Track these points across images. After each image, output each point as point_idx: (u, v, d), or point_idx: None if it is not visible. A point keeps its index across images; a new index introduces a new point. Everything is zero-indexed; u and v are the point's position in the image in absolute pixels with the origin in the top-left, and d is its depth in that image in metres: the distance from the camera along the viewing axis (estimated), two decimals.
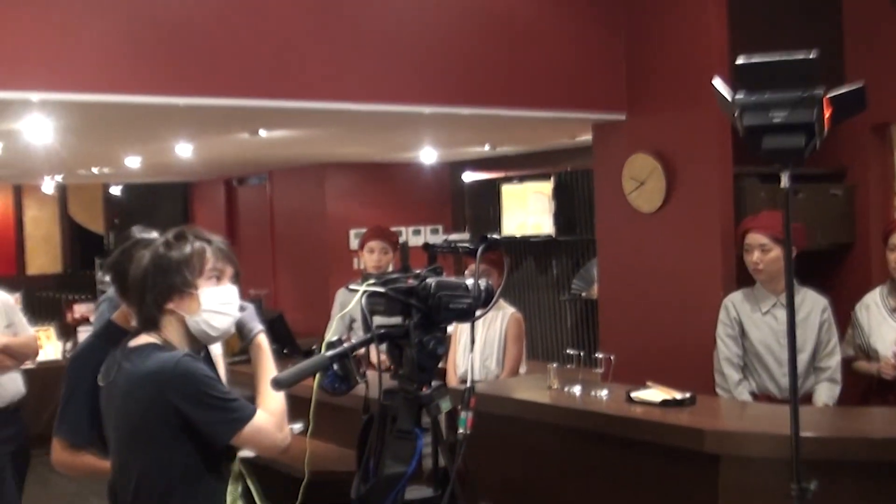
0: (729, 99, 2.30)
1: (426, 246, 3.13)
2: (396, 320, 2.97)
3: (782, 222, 4.63)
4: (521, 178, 8.97)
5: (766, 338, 4.81)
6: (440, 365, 5.35)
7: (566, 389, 4.53)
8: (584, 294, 8.27)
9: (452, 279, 3.01)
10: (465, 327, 6.07)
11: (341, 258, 9.66)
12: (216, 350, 3.23)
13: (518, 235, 8.96)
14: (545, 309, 9.02)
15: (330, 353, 2.79)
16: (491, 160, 9.43)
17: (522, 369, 5.78)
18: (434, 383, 3.05)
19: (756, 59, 2.24)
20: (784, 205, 2.31)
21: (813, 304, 4.83)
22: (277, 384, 2.76)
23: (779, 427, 3.87)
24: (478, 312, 3.04)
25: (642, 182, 5.71)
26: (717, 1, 5.40)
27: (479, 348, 5.92)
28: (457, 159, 9.70)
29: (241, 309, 3.05)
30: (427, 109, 5.37)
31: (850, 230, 6.17)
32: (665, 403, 4.09)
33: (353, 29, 5.00)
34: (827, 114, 2.31)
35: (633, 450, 3.99)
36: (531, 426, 4.43)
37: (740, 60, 2.23)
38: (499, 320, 5.96)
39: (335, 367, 2.80)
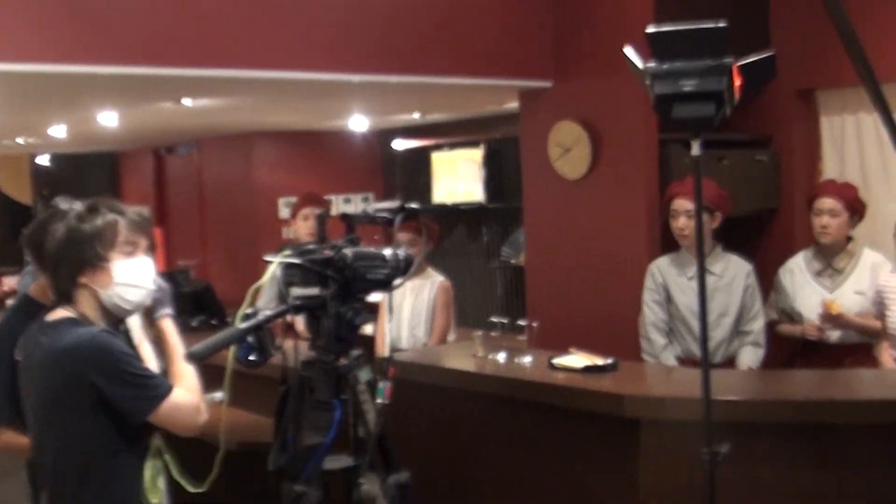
0: (640, 67, 2.30)
1: (343, 216, 3.12)
2: (314, 291, 2.96)
3: (711, 188, 4.74)
4: (452, 146, 8.95)
5: (692, 302, 4.82)
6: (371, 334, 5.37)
7: (490, 357, 4.54)
8: (513, 261, 8.30)
9: (370, 249, 3.00)
10: (393, 295, 6.07)
11: (270, 228, 9.58)
12: (134, 322, 3.18)
13: (449, 203, 8.95)
14: (476, 276, 9.03)
15: (244, 325, 2.77)
16: (422, 128, 9.39)
17: (451, 337, 5.80)
18: (354, 353, 3.05)
19: (666, 27, 2.24)
20: (695, 172, 2.32)
21: (737, 270, 4.94)
22: (191, 357, 2.75)
23: (698, 391, 3.93)
24: (396, 282, 3.04)
25: (568, 149, 5.72)
26: None
27: (407, 317, 5.93)
28: (388, 127, 9.65)
29: (157, 287, 3.00)
30: (354, 78, 5.33)
31: (775, 196, 6.25)
32: (587, 369, 4.12)
33: None
34: (738, 82, 2.31)
35: (556, 416, 4.02)
36: (456, 394, 4.44)
37: (650, 29, 2.23)
38: (427, 288, 5.96)
39: (249, 338, 2.78)
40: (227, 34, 4.84)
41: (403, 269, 3.06)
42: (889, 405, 3.62)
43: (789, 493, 3.59)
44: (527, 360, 4.42)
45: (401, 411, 4.69)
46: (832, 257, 5.02)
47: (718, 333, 4.86)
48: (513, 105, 6.87)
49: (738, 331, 4.93)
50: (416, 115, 8.24)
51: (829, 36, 5.81)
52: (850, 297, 4.96)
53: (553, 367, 4.22)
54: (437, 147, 9.15)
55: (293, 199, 9.38)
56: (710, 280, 4.78)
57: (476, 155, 8.56)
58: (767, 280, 5.58)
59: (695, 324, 4.81)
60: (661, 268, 5.01)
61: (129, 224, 2.88)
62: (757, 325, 4.93)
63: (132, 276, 2.87)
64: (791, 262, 5.24)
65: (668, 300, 4.97)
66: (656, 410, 3.68)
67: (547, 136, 5.85)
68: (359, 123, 8.70)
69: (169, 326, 3.04)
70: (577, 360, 4.23)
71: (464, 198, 8.77)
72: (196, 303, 6.65)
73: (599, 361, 4.15)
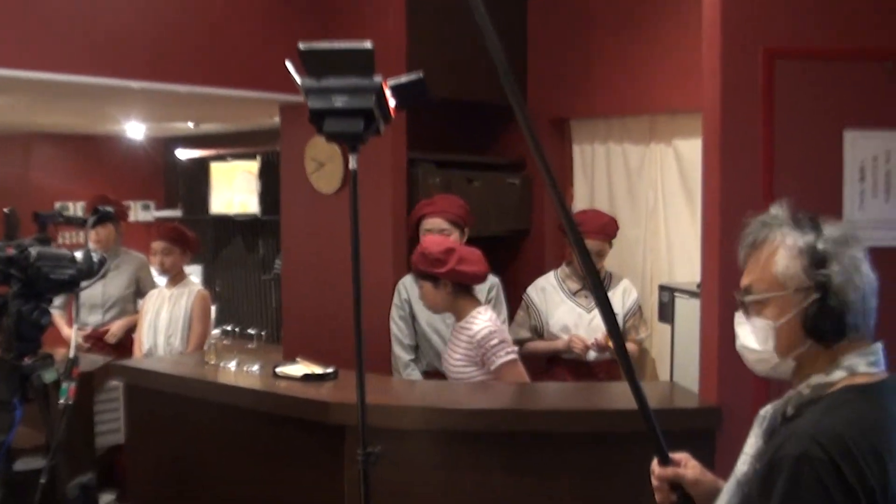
0: (298, 82, 2.41)
1: (35, 215, 3.12)
2: None
3: (459, 205, 4.86)
4: (230, 157, 8.94)
5: (432, 318, 4.95)
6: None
7: (222, 365, 4.59)
8: None
9: (57, 250, 3.02)
10: (151, 304, 6.05)
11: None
12: None
13: (226, 214, 8.93)
14: (252, 288, 9.04)
15: None
16: (204, 138, 9.35)
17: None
18: (41, 353, 3.05)
19: (317, 46, 2.35)
20: (352, 186, 2.43)
21: (482, 285, 4.94)
22: None
23: (405, 400, 4.09)
24: (83, 283, 3.06)
25: (322, 164, 5.81)
26: None
27: (164, 325, 5.92)
28: (169, 135, 9.57)
29: None
30: (119, 83, 5.27)
31: (526, 218, 6.47)
32: (306, 378, 4.21)
33: None
34: (392, 101, 2.44)
35: (277, 422, 4.10)
36: (186, 401, 4.47)
37: (302, 46, 2.34)
38: (185, 297, 5.97)
39: None
40: None
41: (94, 271, 3.08)
42: (576, 415, 3.83)
43: (485, 499, 3.76)
44: (255, 368, 4.48)
45: (135, 418, 4.74)
46: None
47: None
48: None
49: None
50: (190, 125, 8.19)
51: (580, 69, 6.17)
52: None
53: (276, 376, 4.30)
54: (218, 158, 9.12)
55: (69, 204, 9.25)
56: None
57: (253, 167, 8.59)
58: (518, 298, 5.79)
59: (435, 339, 4.94)
60: (406, 285, 5.08)
61: None
62: None
63: None
64: (541, 281, 5.40)
65: (412, 317, 5.04)
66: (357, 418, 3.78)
67: (304, 151, 5.93)
68: (135, 130, 8.60)
69: None
70: (299, 368, 4.31)
71: (240, 209, 8.78)
72: None
73: (319, 370, 4.25)
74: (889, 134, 3.77)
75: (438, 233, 4.91)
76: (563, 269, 5.40)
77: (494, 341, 4.24)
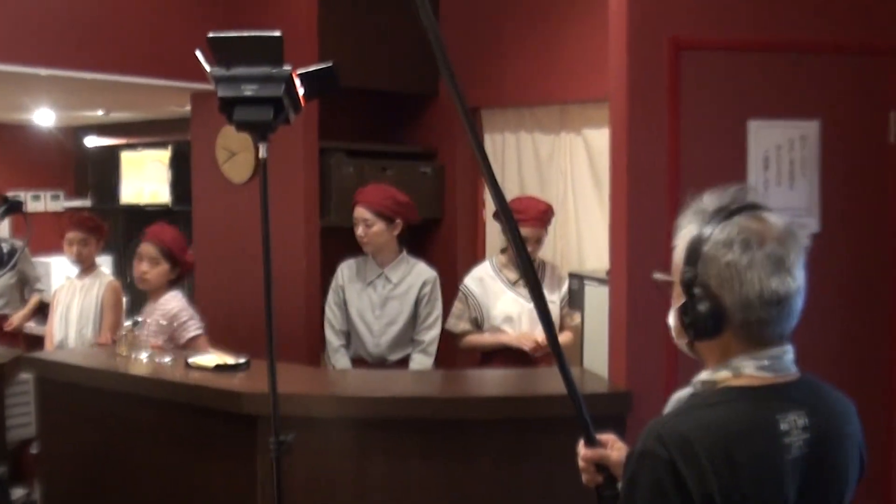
0: (208, 70, 2.40)
1: None
2: None
3: (388, 196, 4.82)
4: (141, 146, 8.83)
5: (363, 308, 4.93)
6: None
7: (133, 356, 4.54)
8: None
9: None
10: (62, 295, 5.97)
11: None
12: None
13: (136, 203, 8.83)
14: None
15: None
16: (114, 126, 9.22)
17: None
18: None
19: (225, 34, 2.35)
20: (262, 175, 2.43)
21: (416, 279, 4.97)
22: None
23: (313, 389, 4.10)
24: None
25: (234, 153, 5.78)
26: None
27: (75, 316, 5.84)
28: (80, 124, 9.42)
29: None
30: (17, 69, 5.19)
31: (438, 207, 6.51)
32: (218, 368, 4.20)
33: None
34: (302, 90, 2.45)
35: (189, 413, 4.08)
36: (99, 393, 4.42)
37: (211, 34, 2.33)
38: (95, 288, 5.90)
39: None
40: None
41: (5, 261, 3.05)
42: (494, 402, 3.88)
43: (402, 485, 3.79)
44: (167, 359, 4.45)
45: (47, 411, 4.68)
46: None
47: (384, 341, 4.93)
48: None
49: (412, 339, 4.97)
50: (100, 112, 8.08)
51: (491, 58, 6.21)
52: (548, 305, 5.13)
53: (189, 366, 4.28)
54: (128, 147, 9.00)
55: None
56: (387, 288, 4.90)
57: (164, 156, 8.50)
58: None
59: (362, 328, 4.92)
60: (344, 270, 5.02)
61: None
62: (429, 336, 4.95)
63: None
64: (477, 270, 5.27)
65: (345, 303, 4.99)
66: (269, 407, 3.79)
67: (215, 140, 5.89)
68: (45, 118, 8.46)
69: None
70: (211, 358, 4.30)
71: (151, 199, 8.68)
72: None
73: (231, 360, 4.24)
74: (792, 123, 3.87)
75: (361, 223, 4.86)
76: (499, 258, 5.29)
77: None
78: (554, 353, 2.20)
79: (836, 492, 1.96)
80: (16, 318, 6.27)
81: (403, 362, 4.95)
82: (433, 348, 4.94)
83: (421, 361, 4.94)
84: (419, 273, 5.01)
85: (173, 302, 5.02)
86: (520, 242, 2.19)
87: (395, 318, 4.93)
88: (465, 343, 5.19)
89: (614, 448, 2.26)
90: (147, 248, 5.13)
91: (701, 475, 1.77)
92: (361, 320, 4.95)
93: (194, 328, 4.98)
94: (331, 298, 5.05)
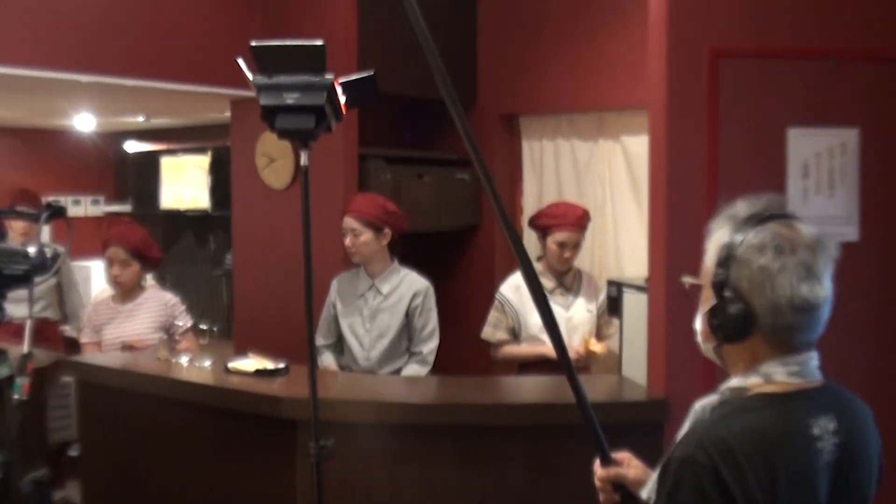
0: (251, 78, 2.43)
1: None
2: None
3: (376, 205, 4.74)
4: (181, 152, 8.91)
5: (354, 321, 4.85)
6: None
7: (174, 360, 4.59)
8: None
9: (10, 245, 3.02)
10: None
11: None
12: None
13: (176, 209, 8.91)
14: (203, 283, 9.00)
15: None
16: (154, 132, 9.31)
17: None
18: None
19: (269, 42, 2.38)
20: (303, 182, 2.46)
21: (407, 290, 4.85)
22: None
23: (353, 394, 4.13)
24: (37, 279, 3.06)
25: (274, 159, 5.82)
26: None
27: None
28: (120, 129, 9.50)
29: None
30: (72, 77, 5.25)
31: (476, 213, 6.53)
32: (258, 373, 4.23)
33: None
34: (343, 98, 2.47)
35: (229, 417, 4.11)
36: (139, 397, 4.46)
37: (254, 43, 2.36)
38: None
39: None
40: None
41: (48, 265, 3.08)
42: (519, 409, 3.89)
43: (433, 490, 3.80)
44: (207, 363, 4.49)
45: (88, 414, 4.73)
46: (562, 277, 5.14)
47: (374, 354, 4.81)
48: None
49: (410, 351, 4.87)
50: (140, 118, 8.16)
51: (530, 66, 6.23)
52: (583, 314, 5.13)
53: (228, 371, 4.31)
54: (168, 152, 9.08)
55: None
56: (377, 300, 4.82)
57: (203, 162, 8.56)
58: (470, 293, 5.81)
59: (352, 341, 4.84)
60: (336, 285, 5.00)
61: None
62: (427, 347, 4.84)
63: None
64: (514, 279, 5.20)
65: (335, 318, 4.93)
66: (309, 412, 3.81)
67: (255, 146, 5.93)
68: (85, 123, 8.54)
69: None
70: (251, 363, 4.33)
71: (191, 204, 8.75)
72: None
73: (270, 365, 4.27)
74: (831, 131, 3.85)
75: (350, 232, 4.77)
76: (535, 266, 5.24)
77: None
78: (564, 369, 2.21)
79: (861, 496, 1.98)
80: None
81: (395, 375, 4.84)
82: (432, 358, 4.84)
83: (416, 370, 4.82)
84: (410, 284, 4.87)
85: (162, 293, 5.46)
86: (522, 250, 2.23)
87: (385, 331, 4.82)
88: (502, 354, 5.15)
89: (630, 466, 2.27)
90: (116, 251, 5.26)
91: (743, 480, 1.79)
92: (352, 334, 4.86)
93: (188, 318, 5.40)
94: (322, 314, 4.97)
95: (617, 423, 3.67)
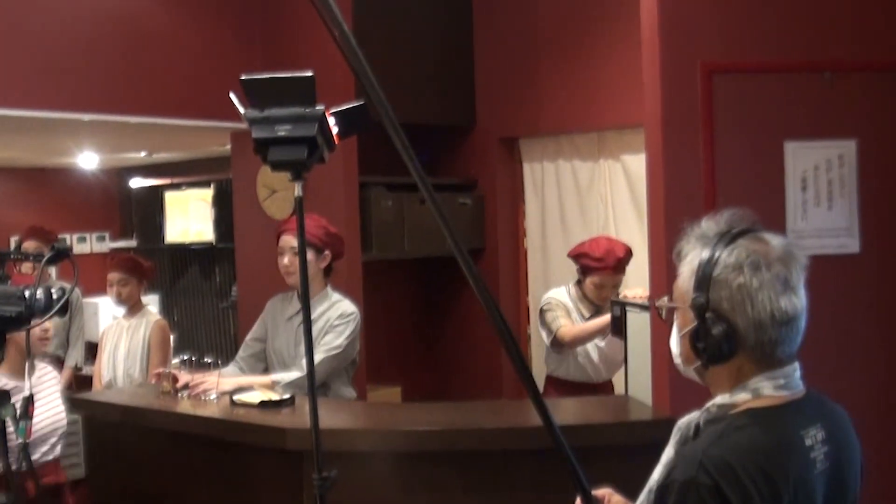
0: (242, 112, 2.44)
1: None
2: None
3: (319, 226, 4.62)
4: (184, 186, 8.94)
5: (281, 346, 4.76)
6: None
7: (179, 394, 4.58)
8: None
9: (7, 288, 3.01)
10: (109, 336, 6.03)
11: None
12: None
13: (181, 242, 8.92)
14: (209, 316, 9.02)
15: None
16: (158, 167, 9.34)
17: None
18: None
19: (258, 75, 2.39)
20: (298, 213, 2.47)
21: (334, 313, 4.66)
22: None
23: (358, 423, 4.11)
24: (35, 320, 3.05)
25: (275, 190, 5.84)
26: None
27: (122, 357, 5.89)
28: (123, 165, 9.54)
29: None
30: (61, 115, 5.29)
31: (479, 237, 6.53)
32: (263, 405, 4.22)
33: None
34: (335, 128, 2.48)
35: (235, 450, 4.10)
36: (146, 432, 4.46)
37: (244, 77, 2.37)
38: (142, 328, 5.94)
39: None
40: None
41: (52, 306, 3.07)
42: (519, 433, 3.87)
43: None
44: (212, 396, 4.48)
45: (96, 451, 4.72)
46: (600, 308, 5.11)
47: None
48: None
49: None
50: (143, 154, 8.19)
51: (528, 88, 6.24)
52: (613, 341, 4.99)
53: (234, 403, 4.30)
54: (172, 186, 9.11)
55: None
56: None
57: (207, 195, 8.58)
58: (473, 318, 5.76)
59: (279, 368, 4.71)
60: (273, 303, 4.90)
61: None
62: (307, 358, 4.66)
63: None
64: (558, 294, 5.19)
65: (264, 340, 4.85)
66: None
67: (256, 178, 5.95)
68: (88, 161, 8.58)
69: None
70: (256, 395, 4.32)
71: (196, 238, 8.76)
72: None
73: (276, 397, 4.26)
74: (829, 143, 3.85)
75: (289, 251, 4.62)
76: (574, 289, 5.20)
77: None
78: (537, 409, 2.20)
79: (850, 500, 2.00)
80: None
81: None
82: (304, 366, 4.60)
83: (285, 375, 4.55)
84: (338, 308, 4.67)
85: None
86: (483, 288, 2.22)
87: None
88: (571, 335, 5.03)
89: (611, 502, 2.27)
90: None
91: (748, 498, 1.79)
92: (278, 358, 4.76)
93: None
94: (251, 332, 4.89)
95: (624, 443, 3.68)
